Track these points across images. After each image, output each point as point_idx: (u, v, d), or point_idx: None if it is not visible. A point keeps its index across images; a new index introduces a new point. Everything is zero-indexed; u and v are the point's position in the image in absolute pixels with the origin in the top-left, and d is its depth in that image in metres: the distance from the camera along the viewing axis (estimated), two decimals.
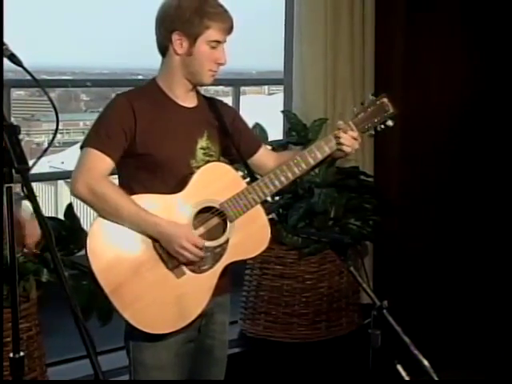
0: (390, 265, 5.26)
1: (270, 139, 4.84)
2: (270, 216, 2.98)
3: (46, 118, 9.38)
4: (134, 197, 2.73)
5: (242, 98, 5.19)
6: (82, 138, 2.87)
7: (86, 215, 4.76)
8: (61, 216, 3.91)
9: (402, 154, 5.21)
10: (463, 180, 5.55)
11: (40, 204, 2.05)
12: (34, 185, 2.34)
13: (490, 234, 5.55)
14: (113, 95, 2.92)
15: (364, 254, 5.04)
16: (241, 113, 3.15)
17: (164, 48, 2.83)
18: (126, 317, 2.70)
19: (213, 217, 2.81)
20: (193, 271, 2.77)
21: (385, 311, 2.95)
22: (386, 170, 5.26)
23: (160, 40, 2.84)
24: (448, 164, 5.50)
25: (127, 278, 2.69)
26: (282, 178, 2.88)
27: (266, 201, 2.93)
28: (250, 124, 3.35)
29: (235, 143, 2.95)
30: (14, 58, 2.13)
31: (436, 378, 2.79)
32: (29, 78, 2.17)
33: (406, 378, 2.78)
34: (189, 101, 2.88)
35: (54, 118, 2.19)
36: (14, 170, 2.02)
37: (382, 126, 2.97)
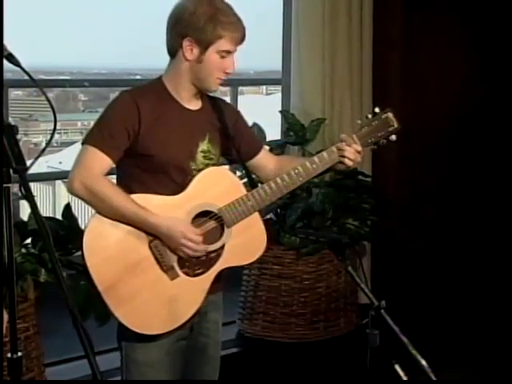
0: (387, 265, 5.27)
1: (267, 139, 4.84)
2: (268, 216, 2.99)
3: (43, 118, 9.38)
4: (132, 196, 2.73)
5: (239, 97, 5.18)
6: (80, 137, 2.88)
7: (83, 215, 4.76)
8: (59, 216, 3.91)
9: (400, 154, 5.20)
10: (461, 180, 5.55)
11: (38, 204, 2.05)
12: (32, 185, 2.33)
13: (489, 234, 5.56)
14: (111, 95, 2.91)
15: (362, 254, 5.05)
16: (239, 110, 3.14)
17: (174, 51, 2.80)
18: (118, 316, 2.70)
19: (210, 221, 2.80)
20: (186, 274, 2.77)
21: (383, 311, 2.95)
22: (384, 169, 5.25)
23: (170, 42, 2.81)
24: (446, 164, 5.50)
25: (121, 277, 2.69)
26: (282, 188, 2.87)
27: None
28: (249, 124, 3.34)
29: (236, 145, 2.94)
30: (11, 58, 2.13)
31: (434, 378, 2.80)
32: (27, 78, 2.17)
33: (404, 378, 2.78)
34: (193, 103, 2.86)
35: (52, 118, 2.19)
36: (11, 170, 2.02)
37: (385, 141, 2.97)
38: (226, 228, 2.79)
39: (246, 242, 2.84)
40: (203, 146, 2.86)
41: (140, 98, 2.76)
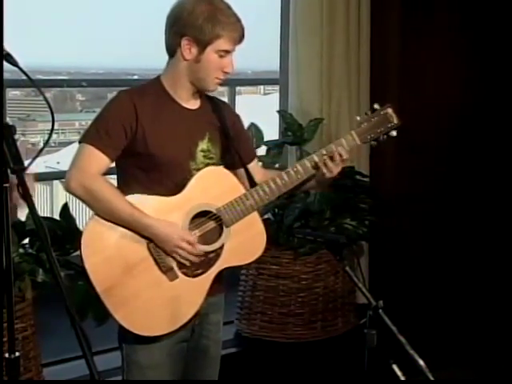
0: (385, 265, 5.27)
1: (265, 139, 4.84)
2: (266, 216, 2.98)
3: (41, 118, 9.36)
4: (130, 197, 2.72)
5: (237, 97, 5.18)
6: (77, 137, 2.87)
7: (81, 215, 4.76)
8: (56, 216, 3.91)
9: (398, 153, 5.21)
10: (460, 180, 5.55)
11: (35, 204, 2.05)
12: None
13: (487, 233, 5.56)
14: (109, 95, 2.91)
15: (360, 254, 5.05)
16: (236, 112, 3.14)
17: (172, 50, 2.80)
18: (118, 318, 2.70)
19: (209, 221, 2.80)
20: (186, 275, 2.76)
21: (380, 311, 2.95)
22: (382, 169, 5.26)
23: (169, 42, 2.80)
24: (444, 164, 5.51)
25: (120, 278, 2.69)
26: (281, 187, 2.86)
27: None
28: (246, 124, 3.34)
29: (235, 146, 2.93)
30: (9, 58, 2.13)
31: (432, 378, 2.80)
32: (24, 78, 2.17)
33: (402, 378, 2.78)
34: (192, 102, 2.86)
35: (50, 118, 2.19)
36: (9, 170, 2.02)
37: (385, 137, 2.95)
38: (224, 228, 2.79)
39: (246, 241, 2.83)
40: (203, 145, 2.85)
41: (138, 97, 2.76)
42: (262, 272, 4.73)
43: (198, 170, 2.80)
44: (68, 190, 2.72)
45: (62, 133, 10.51)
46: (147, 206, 2.72)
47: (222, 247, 2.79)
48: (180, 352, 2.89)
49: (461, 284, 5.41)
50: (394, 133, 2.94)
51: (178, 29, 2.76)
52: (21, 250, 3.64)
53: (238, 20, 2.78)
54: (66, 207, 3.86)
